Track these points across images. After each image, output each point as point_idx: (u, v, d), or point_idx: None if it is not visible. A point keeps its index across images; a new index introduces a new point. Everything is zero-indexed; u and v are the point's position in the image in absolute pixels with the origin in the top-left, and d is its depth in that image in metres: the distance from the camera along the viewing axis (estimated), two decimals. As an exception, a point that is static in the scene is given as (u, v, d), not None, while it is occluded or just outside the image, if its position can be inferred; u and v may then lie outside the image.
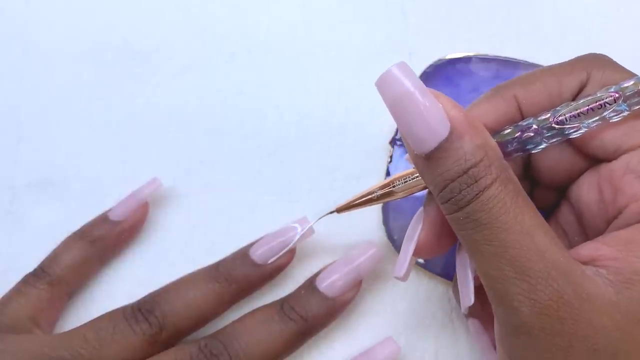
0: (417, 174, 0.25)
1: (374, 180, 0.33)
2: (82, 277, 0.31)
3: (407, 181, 0.26)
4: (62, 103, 0.35)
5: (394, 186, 0.26)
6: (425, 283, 0.31)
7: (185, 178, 0.33)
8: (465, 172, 0.20)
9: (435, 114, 0.20)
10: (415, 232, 0.24)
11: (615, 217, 0.22)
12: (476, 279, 0.24)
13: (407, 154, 0.24)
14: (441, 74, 0.33)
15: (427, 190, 0.25)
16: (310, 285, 0.29)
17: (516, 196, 0.20)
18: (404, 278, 0.25)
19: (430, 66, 0.34)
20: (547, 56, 0.33)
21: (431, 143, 0.20)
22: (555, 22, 0.35)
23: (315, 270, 0.30)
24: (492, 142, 0.21)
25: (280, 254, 0.29)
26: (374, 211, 0.32)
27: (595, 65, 0.23)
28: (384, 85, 0.21)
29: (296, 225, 0.29)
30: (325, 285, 0.28)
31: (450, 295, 0.31)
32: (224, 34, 0.36)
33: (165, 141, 0.34)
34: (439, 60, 0.34)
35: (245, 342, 0.27)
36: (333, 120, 0.34)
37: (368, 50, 0.35)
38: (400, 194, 0.26)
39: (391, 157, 0.33)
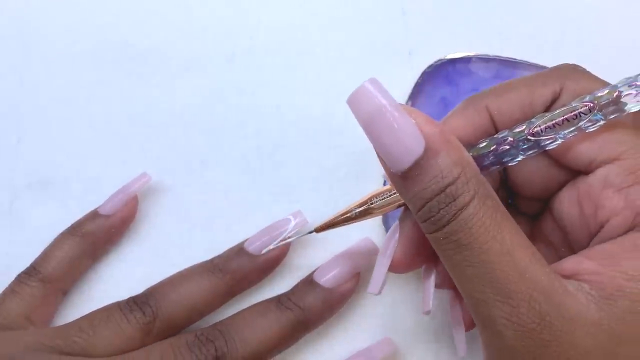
0: (394, 191, 0.25)
1: (374, 180, 0.33)
2: (74, 274, 0.31)
3: (384, 198, 0.25)
4: (62, 103, 0.35)
5: (371, 204, 0.25)
6: (425, 283, 0.31)
7: (185, 178, 0.33)
8: (443, 190, 0.20)
9: (408, 131, 0.20)
10: (389, 248, 0.24)
11: (597, 232, 0.22)
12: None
13: (383, 172, 0.24)
14: (441, 74, 0.33)
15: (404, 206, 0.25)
16: (307, 279, 0.29)
17: (495, 213, 0.20)
18: (379, 293, 0.25)
19: (430, 66, 0.34)
20: (547, 56, 0.33)
21: (406, 161, 0.20)
22: (555, 22, 0.35)
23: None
24: (468, 157, 0.21)
25: (274, 244, 0.29)
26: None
27: (569, 76, 0.23)
28: (356, 102, 0.20)
29: (290, 217, 0.30)
30: (322, 276, 0.29)
31: (450, 296, 0.31)
32: (224, 34, 0.36)
33: (166, 141, 0.34)
34: (439, 60, 0.34)
35: (241, 330, 0.27)
36: (333, 120, 0.34)
37: (368, 50, 0.35)
38: (378, 211, 0.25)
39: (391, 157, 0.33)
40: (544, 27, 0.35)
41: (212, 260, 0.30)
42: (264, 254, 0.29)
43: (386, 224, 0.32)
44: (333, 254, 0.30)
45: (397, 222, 0.24)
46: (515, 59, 0.34)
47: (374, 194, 0.25)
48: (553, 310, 0.19)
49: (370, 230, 0.32)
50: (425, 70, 0.34)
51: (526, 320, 0.19)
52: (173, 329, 0.28)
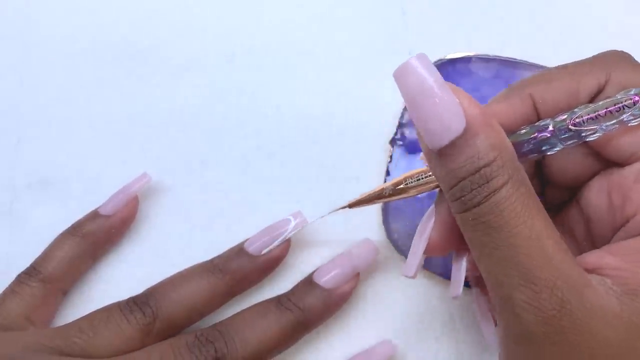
0: (429, 173, 0.25)
1: (374, 180, 0.33)
2: (74, 274, 0.31)
3: (419, 179, 0.25)
4: (62, 103, 0.35)
5: (406, 184, 0.26)
6: (425, 283, 0.31)
7: (185, 178, 0.33)
8: (478, 170, 0.20)
9: (451, 109, 0.20)
10: (426, 230, 0.24)
11: (622, 225, 0.22)
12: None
13: (422, 153, 0.24)
14: (441, 74, 0.33)
15: (438, 189, 0.25)
16: (307, 280, 0.29)
17: (527, 200, 0.20)
18: (414, 276, 0.25)
19: (430, 66, 0.34)
20: (547, 56, 0.33)
21: (445, 138, 0.20)
22: (555, 22, 0.35)
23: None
24: (507, 142, 0.20)
25: (274, 244, 0.29)
26: (374, 211, 0.32)
27: (615, 65, 0.22)
28: (401, 76, 0.20)
29: (290, 217, 0.30)
30: (321, 277, 0.29)
31: (450, 295, 0.31)
32: (224, 34, 0.36)
33: (166, 141, 0.34)
34: (439, 60, 0.34)
35: (241, 330, 0.27)
36: (333, 120, 0.34)
37: (368, 50, 0.35)
38: (412, 192, 0.26)
39: (391, 157, 0.33)
40: (544, 27, 0.35)
41: (212, 261, 0.30)
42: (264, 254, 0.29)
43: (386, 224, 0.32)
44: (333, 254, 0.30)
45: (432, 206, 0.25)
46: (515, 59, 0.34)
47: (409, 174, 0.26)
48: (574, 299, 0.19)
49: (370, 230, 0.32)
50: (425, 70, 0.34)
51: (547, 307, 0.19)
52: (173, 329, 0.28)
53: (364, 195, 0.27)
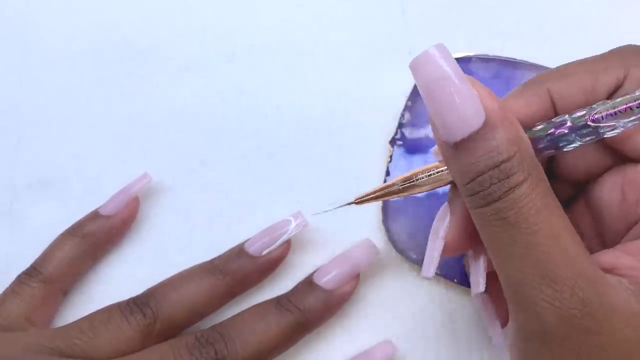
0: (440, 169, 0.24)
1: (374, 180, 0.33)
2: (75, 274, 0.31)
3: (430, 175, 0.25)
4: (62, 103, 0.35)
5: (416, 179, 0.25)
6: (426, 283, 0.31)
7: (185, 178, 0.33)
8: (497, 165, 0.19)
9: (470, 102, 0.19)
10: (440, 230, 0.23)
11: (635, 222, 0.21)
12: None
13: (434, 147, 0.24)
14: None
15: (450, 186, 0.25)
16: (307, 280, 0.29)
17: (546, 197, 0.19)
18: (432, 277, 0.24)
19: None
20: (547, 56, 0.33)
21: (463, 131, 0.19)
22: (555, 22, 0.35)
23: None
24: (526, 138, 0.20)
25: (275, 245, 0.29)
26: (374, 211, 0.32)
27: (634, 61, 0.22)
28: (418, 66, 0.20)
29: (290, 218, 0.30)
30: (321, 278, 0.28)
31: (450, 295, 0.31)
32: (224, 34, 0.36)
33: (166, 141, 0.34)
34: (439, 60, 0.34)
35: (241, 332, 0.27)
36: (333, 120, 0.34)
37: (368, 50, 0.35)
38: (425, 188, 0.25)
39: (391, 156, 0.33)
40: (544, 27, 0.35)
41: (212, 261, 0.30)
42: (264, 255, 0.29)
43: (386, 224, 0.32)
44: (333, 254, 0.30)
45: (446, 204, 0.24)
46: (515, 59, 0.34)
47: (418, 170, 0.25)
48: (595, 299, 0.19)
49: (370, 230, 0.32)
50: (425, 70, 0.34)
51: (568, 306, 0.19)
52: (173, 329, 0.28)
53: (372, 190, 0.26)
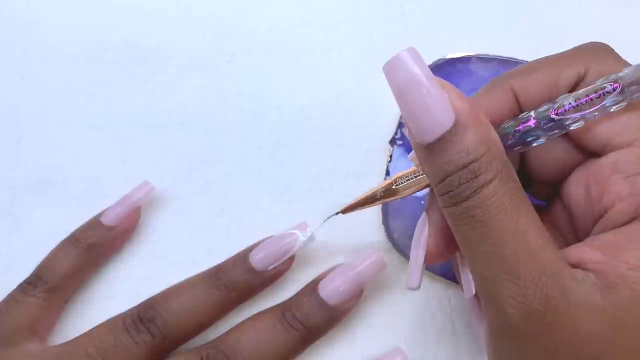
0: (419, 173, 0.25)
1: (374, 180, 0.33)
2: (78, 283, 0.30)
3: (409, 179, 0.25)
4: (62, 103, 0.35)
5: (396, 185, 0.26)
6: (425, 283, 0.31)
7: (185, 178, 0.33)
8: (466, 166, 0.20)
9: (440, 104, 0.20)
10: (421, 239, 0.24)
11: (600, 216, 0.22)
12: None
13: (411, 153, 0.24)
14: (441, 74, 0.33)
15: (428, 192, 0.25)
16: (312, 292, 0.28)
17: (515, 195, 0.20)
18: (418, 288, 0.24)
19: (430, 66, 0.34)
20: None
21: (434, 133, 0.20)
22: (555, 22, 0.35)
23: (315, 271, 0.30)
24: (496, 136, 0.21)
25: (281, 261, 0.29)
26: (374, 211, 0.32)
27: (594, 56, 0.22)
28: (391, 69, 0.21)
29: (296, 231, 0.29)
30: (328, 293, 0.28)
31: (450, 295, 0.31)
32: (224, 34, 0.36)
33: (166, 141, 0.34)
34: (439, 60, 0.34)
35: (248, 354, 0.27)
36: (333, 120, 0.34)
37: (368, 50, 0.35)
38: (403, 193, 0.26)
39: (391, 156, 0.33)
40: (544, 27, 0.35)
41: (216, 274, 0.29)
42: (270, 270, 0.29)
43: (386, 224, 0.32)
44: (333, 253, 0.30)
45: (424, 213, 0.24)
46: (515, 59, 0.34)
47: (398, 175, 0.26)
48: (559, 294, 0.19)
49: (370, 230, 0.32)
50: (425, 70, 0.34)
51: (532, 301, 0.19)
52: (178, 343, 0.28)
53: (355, 200, 0.27)
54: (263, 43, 0.35)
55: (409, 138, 0.22)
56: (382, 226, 0.32)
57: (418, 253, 0.24)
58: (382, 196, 0.26)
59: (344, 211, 0.27)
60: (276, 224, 0.30)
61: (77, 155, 0.34)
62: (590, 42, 0.24)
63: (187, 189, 0.33)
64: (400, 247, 0.31)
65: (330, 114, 0.34)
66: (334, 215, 0.28)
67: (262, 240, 0.29)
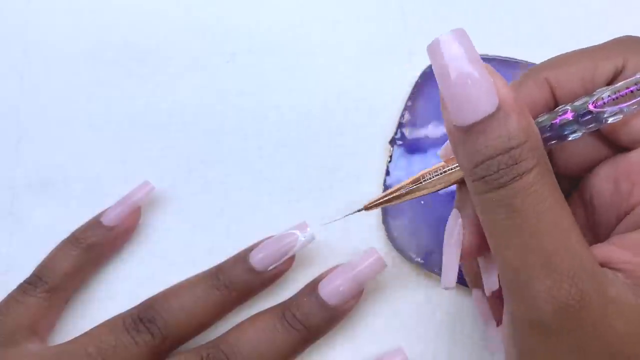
0: (448, 168, 0.24)
1: (374, 179, 0.33)
2: (78, 283, 0.31)
3: (437, 175, 0.24)
4: (62, 103, 0.35)
5: (423, 180, 0.25)
6: (425, 283, 0.31)
7: (185, 178, 0.33)
8: (507, 151, 0.19)
9: (485, 87, 0.19)
10: (454, 236, 0.23)
11: (627, 213, 0.21)
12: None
13: (441, 149, 0.24)
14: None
15: (456, 190, 0.24)
16: (312, 292, 0.28)
17: (553, 188, 0.19)
18: (454, 287, 0.24)
19: (430, 66, 0.34)
20: (546, 56, 0.33)
21: (475, 115, 0.19)
22: (555, 22, 0.35)
23: (314, 270, 0.30)
24: (536, 128, 0.20)
25: (281, 261, 0.29)
26: (374, 211, 0.32)
27: (632, 50, 0.22)
28: (435, 49, 0.20)
29: (296, 231, 0.29)
30: (328, 293, 0.28)
31: (450, 295, 0.31)
32: (224, 34, 0.36)
33: (166, 141, 0.34)
34: (439, 60, 0.34)
35: (248, 353, 0.27)
36: (333, 120, 0.34)
37: (367, 50, 0.35)
38: (430, 189, 0.24)
39: (391, 156, 0.33)
40: (544, 27, 0.35)
41: (217, 274, 0.29)
42: (270, 270, 0.29)
43: (386, 223, 0.32)
44: (333, 253, 0.30)
45: (454, 210, 0.24)
46: (515, 59, 0.34)
47: (425, 171, 0.25)
48: (594, 291, 0.19)
49: (370, 230, 0.32)
50: (425, 70, 0.34)
51: (567, 296, 0.19)
52: (179, 343, 0.28)
53: (380, 196, 0.26)
54: (263, 43, 0.35)
55: (444, 120, 0.21)
56: (382, 226, 0.32)
57: (452, 251, 0.23)
58: (407, 192, 0.25)
59: (367, 208, 0.26)
60: (276, 224, 0.30)
61: (77, 155, 0.34)
62: (627, 35, 0.23)
63: (187, 189, 0.33)
64: (400, 247, 0.31)
65: (330, 114, 0.34)
66: (357, 212, 0.26)
67: (262, 240, 0.29)
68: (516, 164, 0.19)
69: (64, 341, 0.28)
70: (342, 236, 0.32)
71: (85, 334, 0.27)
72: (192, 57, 0.35)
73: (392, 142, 0.33)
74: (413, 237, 0.31)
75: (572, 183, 0.25)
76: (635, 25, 0.35)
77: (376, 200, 0.26)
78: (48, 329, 0.29)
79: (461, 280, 0.30)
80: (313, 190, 0.33)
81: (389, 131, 0.33)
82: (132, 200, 0.31)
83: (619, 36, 0.23)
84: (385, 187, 0.32)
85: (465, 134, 0.20)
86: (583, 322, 0.19)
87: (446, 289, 0.24)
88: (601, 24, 0.35)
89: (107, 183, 0.33)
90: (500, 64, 0.33)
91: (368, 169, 0.33)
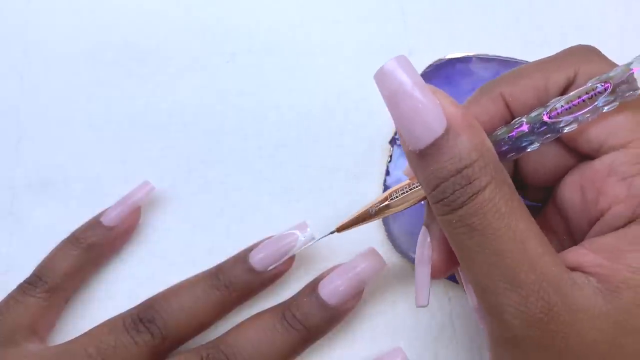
0: (414, 185, 0.24)
1: (374, 180, 0.33)
2: (78, 283, 0.31)
3: (404, 193, 0.25)
4: (62, 103, 0.35)
5: (391, 199, 0.25)
6: (425, 283, 0.31)
7: (185, 178, 0.33)
8: (460, 171, 0.19)
9: (431, 110, 0.19)
10: (424, 254, 0.23)
11: (597, 219, 0.21)
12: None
13: (405, 167, 0.24)
14: (441, 74, 0.34)
15: (425, 208, 0.25)
16: (312, 292, 0.28)
17: (510, 200, 0.19)
18: (428, 305, 0.24)
19: (430, 66, 0.34)
20: (546, 56, 0.33)
21: (426, 139, 0.20)
22: (555, 22, 0.35)
23: (315, 270, 0.30)
24: (489, 142, 0.20)
25: (281, 261, 0.29)
26: (374, 211, 0.32)
27: (583, 59, 0.22)
28: (382, 77, 0.20)
29: (296, 231, 0.29)
30: (328, 293, 0.28)
31: (450, 295, 0.31)
32: (224, 34, 0.36)
33: (166, 141, 0.34)
34: (439, 60, 0.34)
35: (248, 353, 0.27)
36: (333, 120, 0.34)
37: (368, 50, 0.35)
38: (398, 208, 0.25)
39: (391, 156, 0.33)
40: (544, 27, 0.35)
41: (217, 274, 0.29)
42: (270, 270, 0.29)
43: (386, 224, 0.32)
44: (333, 252, 0.30)
45: (423, 227, 0.24)
46: (515, 59, 0.34)
47: (393, 189, 0.25)
48: (561, 302, 0.19)
49: (370, 230, 0.32)
50: (425, 70, 0.34)
51: (534, 310, 0.19)
52: (179, 344, 0.28)
53: (350, 218, 0.26)
54: (263, 43, 0.35)
55: (402, 147, 0.21)
56: (382, 226, 0.32)
57: (424, 270, 0.23)
58: (377, 212, 0.25)
59: (339, 229, 0.27)
60: (276, 224, 0.30)
61: (77, 155, 0.34)
62: (577, 45, 0.23)
63: (187, 189, 0.33)
64: (400, 247, 0.31)
65: (330, 114, 0.34)
66: (329, 234, 0.27)
67: (262, 241, 0.29)
68: (470, 183, 0.19)
69: (64, 341, 0.28)
70: (342, 236, 0.31)
71: (85, 334, 0.27)
72: (192, 57, 0.35)
73: (392, 142, 0.33)
74: (413, 237, 0.31)
75: (547, 192, 0.25)
76: (635, 25, 0.35)
77: (346, 223, 0.26)
78: (48, 329, 0.29)
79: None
80: (313, 190, 0.33)
81: (389, 131, 0.33)
82: (132, 200, 0.31)
83: (571, 46, 0.23)
84: (385, 187, 0.32)
85: (420, 158, 0.20)
86: (554, 334, 0.19)
87: (420, 307, 0.24)
88: (601, 24, 0.35)
89: (107, 183, 0.33)
90: (500, 64, 0.33)
91: (368, 169, 0.33)
